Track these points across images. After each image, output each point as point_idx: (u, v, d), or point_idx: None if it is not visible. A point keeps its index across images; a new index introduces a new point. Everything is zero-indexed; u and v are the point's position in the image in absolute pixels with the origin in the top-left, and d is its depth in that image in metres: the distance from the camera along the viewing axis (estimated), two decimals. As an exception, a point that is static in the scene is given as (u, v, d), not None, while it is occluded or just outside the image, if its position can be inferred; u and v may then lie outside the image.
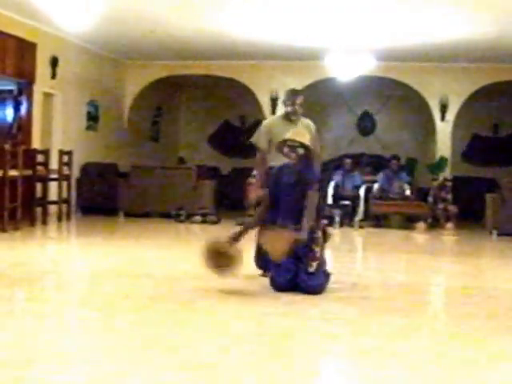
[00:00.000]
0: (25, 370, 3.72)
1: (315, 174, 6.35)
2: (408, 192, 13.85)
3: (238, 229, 6.34)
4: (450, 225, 12.84)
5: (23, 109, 12.49)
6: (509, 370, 4.09)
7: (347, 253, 9.97)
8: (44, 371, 3.74)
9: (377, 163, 16.66)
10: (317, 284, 6.13)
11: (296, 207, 6.19)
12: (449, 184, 13.64)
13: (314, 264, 6.13)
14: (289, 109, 6.92)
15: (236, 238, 6.28)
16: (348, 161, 14.33)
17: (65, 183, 12.42)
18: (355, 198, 13.75)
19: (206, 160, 18.61)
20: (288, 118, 6.94)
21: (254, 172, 13.87)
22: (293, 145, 6.19)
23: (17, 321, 5.01)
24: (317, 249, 6.16)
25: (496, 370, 4.08)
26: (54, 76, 13.37)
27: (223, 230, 12.16)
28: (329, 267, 6.50)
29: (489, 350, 4.50)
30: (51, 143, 13.32)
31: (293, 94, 7.04)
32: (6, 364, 3.82)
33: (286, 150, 6.23)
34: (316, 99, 16.34)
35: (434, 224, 13.16)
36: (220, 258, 6.19)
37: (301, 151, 6.20)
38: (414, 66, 15.51)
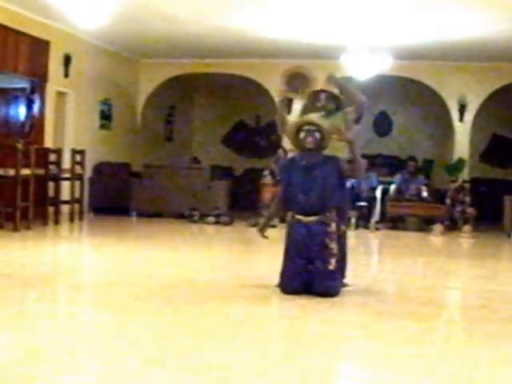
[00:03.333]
0: (37, 370, 3.72)
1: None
2: (425, 194, 13.72)
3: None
4: (467, 227, 12.69)
5: (36, 107, 12.46)
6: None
7: (362, 255, 9.86)
8: (56, 371, 3.73)
9: (393, 164, 16.48)
10: (333, 285, 5.95)
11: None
12: (467, 186, 13.48)
13: (333, 261, 5.93)
14: (317, 104, 6.51)
15: (262, 229, 6.33)
16: (364, 161, 14.12)
17: (77, 183, 12.40)
18: (371, 200, 13.62)
19: (220, 160, 18.51)
20: (317, 110, 6.49)
21: (265, 172, 13.93)
22: (309, 129, 5.99)
23: (28, 321, 4.99)
24: (332, 245, 5.94)
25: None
26: (66, 74, 13.35)
27: (236, 231, 12.25)
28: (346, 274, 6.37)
29: (504, 354, 4.42)
30: (64, 142, 13.31)
31: (314, 94, 6.64)
32: (19, 363, 3.81)
33: (302, 134, 6.01)
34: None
35: (452, 226, 13.04)
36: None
37: (318, 135, 6.00)
38: (431, 64, 15.36)
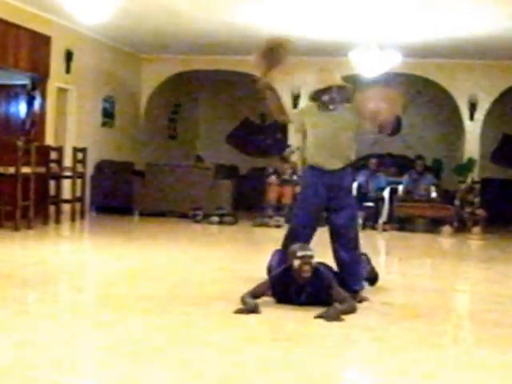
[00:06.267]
0: (37, 371, 3.72)
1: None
2: (434, 194, 13.52)
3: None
4: (477, 229, 12.52)
5: (37, 104, 12.44)
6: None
7: (370, 256, 9.63)
8: (56, 372, 3.73)
9: (402, 164, 16.27)
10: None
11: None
12: (477, 186, 13.28)
13: None
14: (326, 97, 6.13)
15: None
16: (373, 161, 13.98)
17: (79, 181, 12.34)
18: (379, 200, 13.43)
19: (225, 159, 18.34)
20: (325, 106, 6.16)
21: (269, 170, 13.75)
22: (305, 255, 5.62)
23: (29, 321, 4.95)
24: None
25: None
26: (68, 70, 13.28)
27: (241, 231, 12.10)
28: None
29: None
30: (65, 140, 13.27)
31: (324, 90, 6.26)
32: (18, 364, 3.82)
33: (296, 263, 5.59)
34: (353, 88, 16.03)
35: (461, 228, 12.84)
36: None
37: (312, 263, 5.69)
38: (441, 62, 15.25)
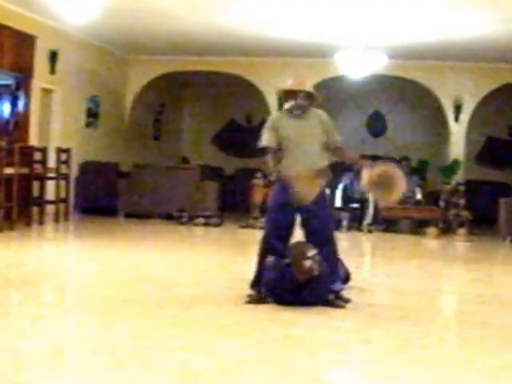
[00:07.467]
0: (17, 375, 3.69)
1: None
2: (419, 196, 13.57)
3: None
4: (462, 230, 12.59)
5: (21, 104, 12.30)
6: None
7: (355, 258, 9.68)
8: (37, 375, 3.70)
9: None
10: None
11: None
12: (461, 189, 13.30)
13: None
14: (291, 101, 6.10)
15: None
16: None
17: (63, 182, 12.28)
18: (364, 201, 13.39)
19: (210, 160, 18.30)
20: (291, 112, 6.14)
21: (258, 174, 13.71)
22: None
23: (12, 324, 4.92)
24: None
25: (507, 379, 4.01)
26: (53, 71, 13.16)
27: (226, 233, 12.08)
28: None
29: (499, 359, 4.40)
30: (49, 140, 13.17)
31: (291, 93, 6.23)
32: (1, 367, 3.78)
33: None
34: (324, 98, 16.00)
35: (446, 229, 12.84)
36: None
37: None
38: (427, 64, 15.27)
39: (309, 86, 6.14)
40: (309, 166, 5.97)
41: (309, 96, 6.11)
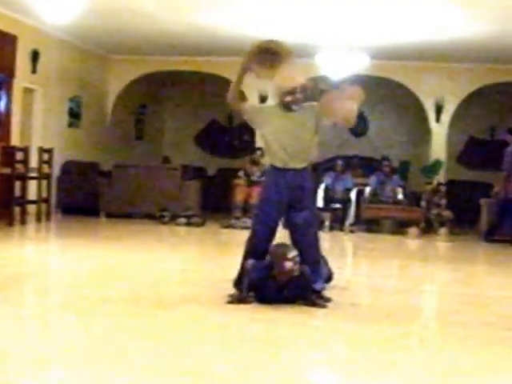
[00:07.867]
0: (0, 375, 3.65)
1: None
2: (401, 196, 13.60)
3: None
4: (443, 230, 12.68)
5: (2, 104, 12.25)
6: (501, 380, 4.02)
7: (336, 258, 9.64)
8: (20, 376, 3.69)
9: (368, 165, 16.31)
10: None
11: None
12: (443, 189, 13.36)
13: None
14: (289, 98, 5.98)
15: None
16: (339, 163, 13.98)
17: (45, 182, 12.21)
18: (346, 201, 13.44)
19: (192, 160, 18.28)
20: (288, 107, 6.04)
21: (240, 173, 13.72)
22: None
23: None
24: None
25: (488, 379, 4.01)
26: (34, 70, 13.12)
27: (208, 233, 12.06)
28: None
29: (481, 359, 4.41)
30: (31, 140, 13.14)
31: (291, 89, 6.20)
32: None
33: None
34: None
35: (428, 229, 12.93)
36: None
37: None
38: (408, 65, 15.33)
39: (303, 79, 6.08)
40: (301, 159, 5.98)
41: (304, 88, 6.11)
